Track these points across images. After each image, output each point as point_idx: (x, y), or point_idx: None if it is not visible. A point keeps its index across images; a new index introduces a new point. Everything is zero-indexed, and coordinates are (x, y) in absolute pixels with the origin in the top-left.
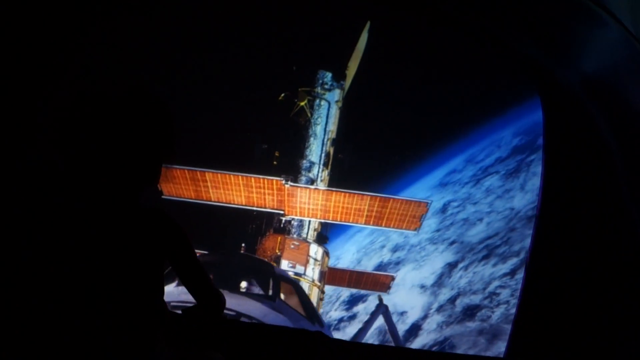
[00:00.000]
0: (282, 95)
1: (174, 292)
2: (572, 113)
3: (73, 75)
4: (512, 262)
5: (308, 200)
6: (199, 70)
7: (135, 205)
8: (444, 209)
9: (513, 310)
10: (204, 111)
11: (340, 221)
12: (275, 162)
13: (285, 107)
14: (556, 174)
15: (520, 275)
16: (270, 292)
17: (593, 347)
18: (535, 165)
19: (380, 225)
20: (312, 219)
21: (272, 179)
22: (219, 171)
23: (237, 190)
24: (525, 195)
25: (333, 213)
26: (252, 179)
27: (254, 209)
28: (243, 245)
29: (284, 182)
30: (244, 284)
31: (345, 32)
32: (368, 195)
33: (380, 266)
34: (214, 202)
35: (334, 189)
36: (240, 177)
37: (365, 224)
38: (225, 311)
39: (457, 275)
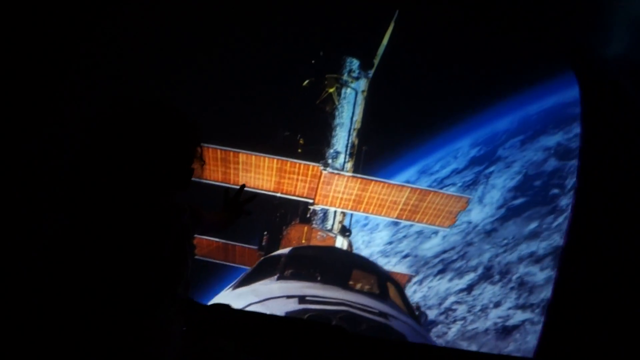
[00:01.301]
0: (307, 81)
1: (294, 287)
2: (607, 88)
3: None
4: (469, 277)
5: (343, 189)
6: (223, 54)
7: (166, 205)
8: (396, 221)
9: (470, 327)
10: (225, 96)
11: (372, 214)
12: (299, 150)
13: (310, 93)
14: (593, 152)
15: (477, 291)
16: (378, 291)
17: (626, 345)
18: (495, 177)
19: (413, 220)
20: (339, 210)
21: (309, 164)
22: (253, 153)
23: (269, 175)
24: (483, 208)
25: (366, 204)
26: (288, 163)
27: (282, 196)
28: (266, 234)
29: (322, 168)
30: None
31: (374, 19)
32: (408, 186)
33: None
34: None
35: (373, 177)
36: (275, 160)
37: (397, 217)
38: (364, 308)
39: (411, 289)
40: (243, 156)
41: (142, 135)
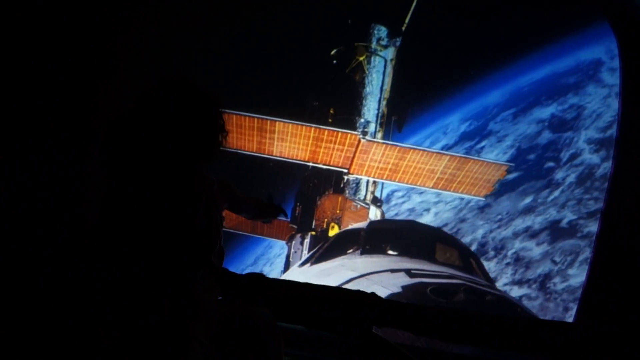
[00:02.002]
0: (335, 50)
1: (386, 261)
2: None
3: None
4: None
5: (380, 157)
6: (251, 23)
7: (195, 176)
8: (387, 199)
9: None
10: (254, 66)
11: (408, 183)
12: (330, 120)
13: (339, 62)
14: (634, 105)
15: None
16: (462, 264)
17: None
18: (487, 152)
19: (449, 190)
20: (371, 180)
21: (347, 133)
22: (290, 121)
23: (305, 144)
24: None
25: (402, 173)
26: (325, 132)
27: (315, 165)
28: (298, 205)
29: (360, 136)
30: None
31: None
32: (447, 154)
33: None
34: (275, 156)
35: (411, 145)
36: (312, 128)
37: (433, 187)
38: (472, 280)
39: None
40: (280, 125)
41: (170, 111)
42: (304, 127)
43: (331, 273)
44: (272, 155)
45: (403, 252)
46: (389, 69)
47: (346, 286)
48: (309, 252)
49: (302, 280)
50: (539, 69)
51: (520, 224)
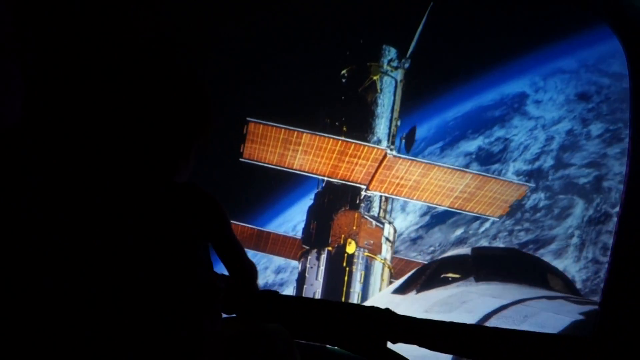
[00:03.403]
0: (346, 69)
1: (513, 288)
2: None
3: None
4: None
5: (403, 174)
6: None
7: (166, 183)
8: None
9: None
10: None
11: (425, 201)
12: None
13: (350, 81)
14: None
15: None
16: (570, 292)
17: None
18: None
19: (464, 210)
20: (384, 197)
21: (373, 147)
22: (317, 133)
23: (328, 158)
24: (406, 216)
25: (421, 191)
26: (352, 145)
27: (331, 180)
28: (314, 220)
29: (388, 151)
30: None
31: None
32: (470, 172)
33: (265, 287)
34: (295, 169)
35: (437, 162)
36: (339, 141)
37: (449, 206)
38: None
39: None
40: (306, 137)
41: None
42: (330, 140)
43: (465, 300)
44: (292, 169)
45: (517, 280)
46: (399, 90)
47: (499, 315)
48: (325, 268)
49: (421, 310)
50: (464, 103)
51: None
